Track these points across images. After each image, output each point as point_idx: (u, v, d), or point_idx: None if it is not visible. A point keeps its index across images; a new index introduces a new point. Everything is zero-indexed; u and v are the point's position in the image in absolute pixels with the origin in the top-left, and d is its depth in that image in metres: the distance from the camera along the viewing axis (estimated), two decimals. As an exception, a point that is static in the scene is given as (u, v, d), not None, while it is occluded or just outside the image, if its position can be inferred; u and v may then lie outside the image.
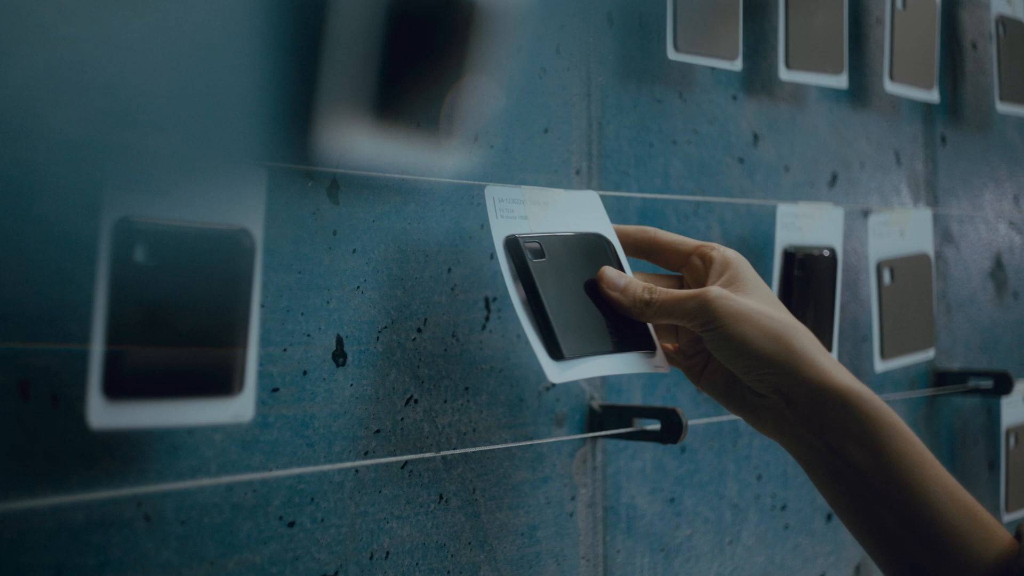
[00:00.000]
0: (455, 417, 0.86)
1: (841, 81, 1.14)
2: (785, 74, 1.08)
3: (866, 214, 1.23)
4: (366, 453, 0.81)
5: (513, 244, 0.80)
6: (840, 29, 1.14)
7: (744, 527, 1.09)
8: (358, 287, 0.80)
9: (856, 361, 1.20)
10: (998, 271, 1.43)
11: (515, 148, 0.90)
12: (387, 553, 0.82)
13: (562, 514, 0.94)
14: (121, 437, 0.69)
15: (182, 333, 0.65)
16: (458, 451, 0.86)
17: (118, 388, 0.63)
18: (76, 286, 0.66)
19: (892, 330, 1.17)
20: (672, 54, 0.97)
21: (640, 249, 0.87)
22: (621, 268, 0.84)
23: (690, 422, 1.03)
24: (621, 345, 0.82)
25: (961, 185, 1.37)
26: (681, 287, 0.86)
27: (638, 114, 1.00)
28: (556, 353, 0.78)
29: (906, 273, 1.19)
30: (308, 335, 0.78)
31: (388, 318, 0.82)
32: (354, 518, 0.80)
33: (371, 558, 0.81)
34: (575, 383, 0.94)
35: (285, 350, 0.76)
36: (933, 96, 1.25)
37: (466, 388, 0.87)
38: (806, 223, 1.07)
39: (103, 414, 0.63)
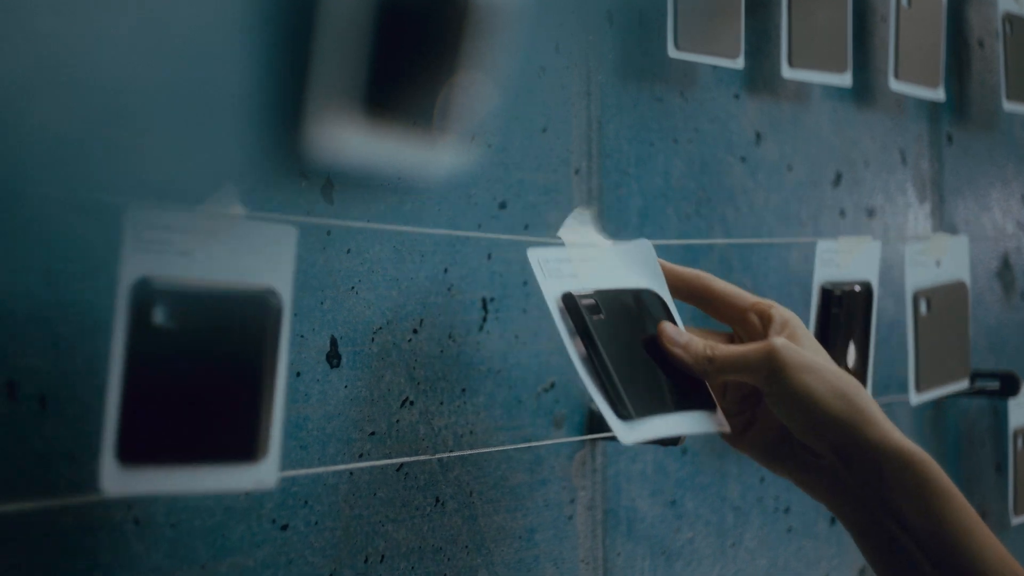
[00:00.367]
0: (452, 419, 0.85)
1: (845, 79, 1.13)
2: (788, 72, 1.07)
3: (871, 213, 1.22)
4: (361, 455, 0.80)
5: (570, 302, 0.78)
6: (843, 27, 1.13)
7: (746, 530, 1.08)
8: (352, 287, 0.80)
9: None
10: (1005, 271, 1.41)
11: (513, 147, 0.89)
12: (382, 557, 0.81)
13: (561, 517, 0.93)
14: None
15: (203, 397, 0.63)
16: (455, 453, 0.85)
17: (133, 453, 0.60)
18: (65, 286, 0.65)
19: (928, 362, 1.15)
20: (673, 52, 0.96)
21: (693, 295, 0.84)
22: (675, 324, 0.82)
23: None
24: (681, 403, 0.79)
25: (967, 184, 1.36)
26: (732, 343, 0.83)
27: (638, 113, 0.99)
28: (624, 412, 0.76)
29: (943, 303, 1.16)
30: (301, 336, 0.77)
31: (383, 319, 0.81)
32: (348, 521, 0.79)
33: (366, 562, 0.80)
34: (573, 384, 0.93)
35: (278, 351, 0.76)
36: (939, 95, 1.24)
37: (463, 390, 0.86)
38: (843, 258, 1.05)
39: (117, 480, 0.60)
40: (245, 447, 0.65)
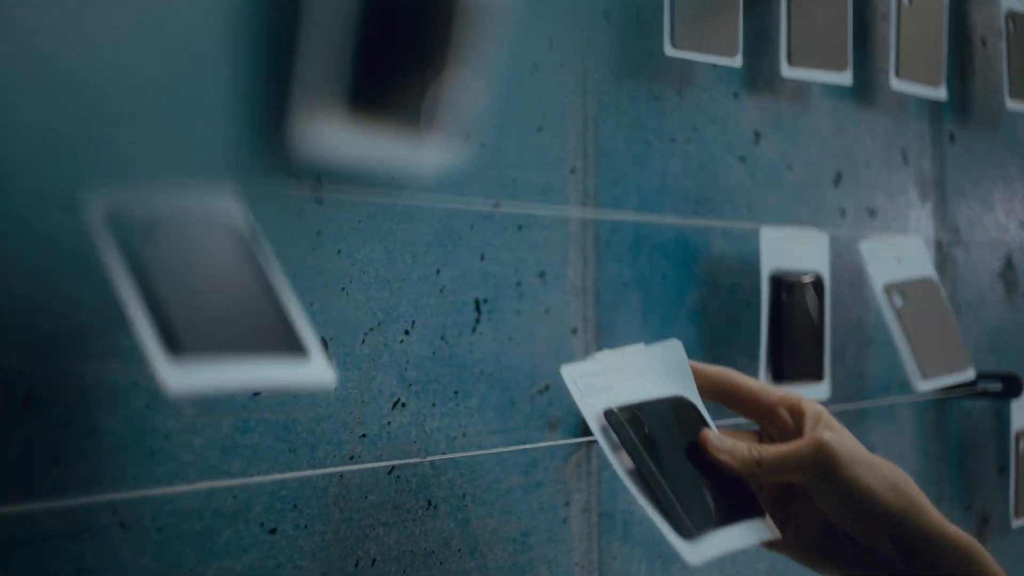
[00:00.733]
0: (444, 421, 0.84)
1: (845, 78, 1.12)
2: (787, 71, 1.06)
3: (872, 213, 1.21)
4: (351, 458, 0.79)
5: (613, 418, 0.76)
6: (844, 25, 1.12)
7: (745, 533, 1.07)
8: (343, 289, 0.79)
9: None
10: (1008, 272, 1.40)
11: (507, 146, 0.88)
12: (373, 560, 0.80)
13: (556, 520, 0.92)
14: (95, 441, 0.67)
15: (232, 296, 0.62)
16: (447, 456, 0.84)
17: (183, 345, 0.57)
18: (50, 286, 0.65)
19: (923, 349, 1.14)
20: (669, 50, 0.95)
21: (719, 393, 0.83)
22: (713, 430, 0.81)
23: (689, 426, 1.01)
24: (732, 513, 0.78)
25: (970, 184, 1.35)
26: (760, 442, 0.82)
27: (635, 111, 0.98)
28: (686, 531, 0.74)
29: (917, 297, 1.16)
30: (291, 337, 0.76)
31: (374, 320, 0.80)
32: (338, 524, 0.78)
33: (356, 566, 0.79)
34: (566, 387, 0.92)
35: (267, 353, 0.75)
36: (940, 93, 1.23)
37: (456, 392, 0.85)
38: (791, 247, 1.05)
39: (178, 376, 0.57)
40: (293, 342, 0.63)
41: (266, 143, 0.73)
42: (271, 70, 0.72)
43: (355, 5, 0.73)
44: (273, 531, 0.75)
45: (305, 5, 0.71)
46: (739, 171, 1.07)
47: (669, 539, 0.74)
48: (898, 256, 1.15)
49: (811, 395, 1.07)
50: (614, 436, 0.76)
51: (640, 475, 0.75)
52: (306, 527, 0.76)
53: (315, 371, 0.64)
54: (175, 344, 0.58)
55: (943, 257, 1.30)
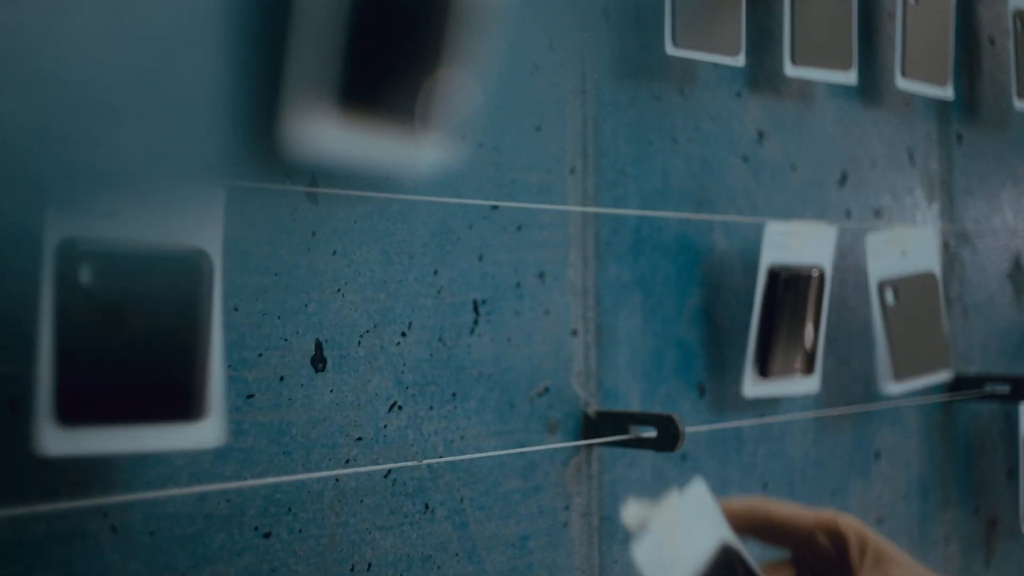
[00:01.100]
0: (442, 424, 0.83)
1: (850, 77, 1.10)
2: (791, 70, 1.05)
3: (877, 214, 1.20)
4: (347, 461, 0.78)
5: None
6: (849, 24, 1.11)
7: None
8: (338, 290, 0.78)
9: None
10: (1017, 273, 1.39)
11: (505, 146, 0.87)
12: (369, 565, 0.79)
13: (555, 524, 0.91)
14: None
15: (139, 358, 0.63)
16: (445, 459, 0.83)
17: (72, 414, 0.61)
18: (35, 288, 0.64)
19: (902, 351, 1.13)
20: (670, 49, 0.94)
21: (750, 528, 0.78)
22: None
23: (692, 429, 1.00)
24: None
25: (978, 184, 1.34)
26: (798, 573, 0.78)
27: (636, 111, 0.97)
28: None
29: (910, 293, 1.15)
30: (285, 339, 0.75)
31: (370, 322, 0.79)
32: (334, 528, 0.77)
33: (352, 570, 0.78)
34: (567, 389, 0.91)
35: (260, 355, 0.74)
36: (947, 93, 1.22)
37: (453, 394, 0.84)
38: (795, 241, 1.04)
39: (57, 441, 0.61)
40: (185, 406, 0.65)
41: (259, 142, 0.72)
42: (264, 67, 0.71)
43: (350, 1, 0.72)
44: (267, 535, 0.74)
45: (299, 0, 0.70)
46: (742, 171, 1.06)
47: None
48: (903, 249, 1.14)
49: (800, 389, 1.06)
50: None
51: None
52: (301, 531, 0.76)
53: (198, 436, 0.65)
54: (65, 411, 0.61)
55: (950, 258, 1.29)
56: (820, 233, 1.06)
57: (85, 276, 0.61)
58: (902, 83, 1.16)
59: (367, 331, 0.79)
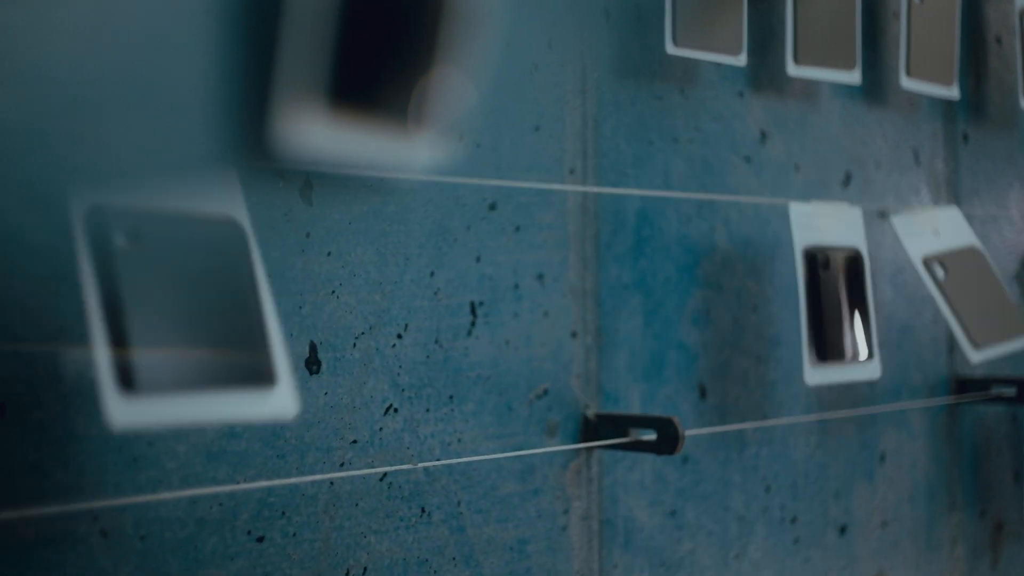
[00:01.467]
0: (438, 427, 0.83)
1: (854, 77, 1.09)
2: (793, 70, 1.04)
3: (882, 215, 1.19)
4: (342, 464, 0.77)
5: None
6: (852, 23, 1.09)
7: (751, 541, 1.05)
8: (333, 291, 0.77)
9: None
10: (1024, 274, 1.38)
11: (503, 146, 0.87)
12: (364, 569, 0.78)
13: (555, 528, 0.90)
14: (75, 448, 0.66)
15: (193, 323, 0.59)
16: (442, 462, 0.82)
17: (136, 382, 0.56)
18: (24, 290, 0.63)
19: (973, 319, 1.10)
20: (671, 49, 0.93)
21: None
22: None
23: (694, 431, 0.99)
24: None
25: (985, 185, 1.32)
26: None
27: (637, 111, 0.96)
28: None
29: (959, 267, 1.13)
30: (279, 341, 0.74)
31: (366, 324, 0.79)
32: (328, 532, 0.77)
33: (347, 574, 0.77)
34: (567, 391, 0.90)
35: (254, 357, 0.73)
36: (953, 93, 1.21)
37: (450, 396, 0.83)
38: (823, 223, 1.03)
39: (125, 412, 0.56)
40: (255, 373, 0.60)
41: (252, 142, 0.72)
42: (258, 66, 0.70)
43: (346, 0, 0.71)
44: (261, 539, 0.73)
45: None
46: (744, 171, 1.05)
47: None
48: (934, 229, 1.13)
49: (863, 375, 1.03)
50: None
51: None
52: (295, 535, 0.75)
53: (276, 404, 0.61)
54: (129, 379, 0.56)
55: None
56: (847, 214, 1.05)
57: (122, 240, 0.57)
58: (907, 83, 1.15)
59: (362, 333, 0.78)
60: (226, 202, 0.64)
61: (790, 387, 1.08)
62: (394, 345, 0.80)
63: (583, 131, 0.92)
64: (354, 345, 0.78)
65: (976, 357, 1.10)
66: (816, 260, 1.00)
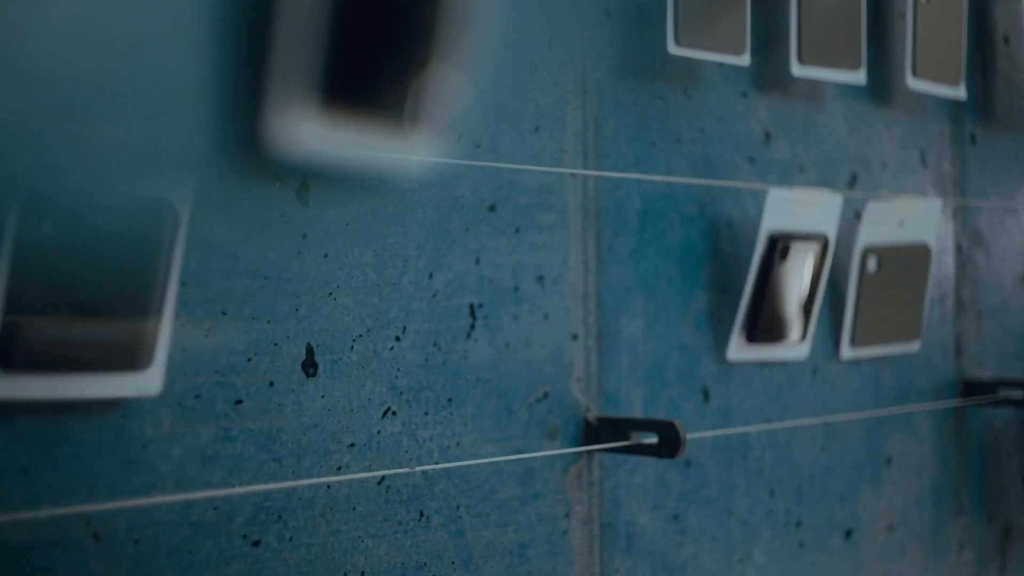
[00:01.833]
0: (437, 430, 0.82)
1: (858, 77, 1.09)
2: (797, 70, 1.03)
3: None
4: (339, 468, 0.77)
5: None
6: (857, 22, 1.09)
7: (755, 545, 1.04)
8: (330, 293, 0.76)
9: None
10: (1032, 276, 1.37)
11: (503, 147, 0.86)
12: (361, 573, 0.78)
13: (555, 532, 0.89)
14: (68, 450, 0.65)
15: (85, 304, 0.63)
16: (440, 466, 0.82)
17: (15, 360, 0.61)
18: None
19: (867, 318, 1.11)
20: (673, 48, 0.92)
21: None
22: None
23: (697, 434, 0.98)
24: None
25: (992, 186, 1.31)
26: None
27: (638, 112, 0.95)
28: None
29: (895, 263, 1.13)
30: (275, 344, 0.74)
31: (363, 326, 0.78)
32: (325, 536, 0.76)
33: (344, 579, 0.77)
34: (567, 394, 0.89)
35: (249, 360, 0.73)
36: (960, 93, 1.20)
37: (449, 399, 0.83)
38: (800, 209, 1.02)
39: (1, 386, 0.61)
40: (128, 355, 0.65)
41: (248, 143, 0.71)
42: (252, 66, 0.70)
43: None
44: (256, 543, 0.73)
45: None
46: (748, 172, 1.04)
47: None
48: (902, 219, 1.12)
49: (789, 355, 1.04)
50: None
51: None
52: (291, 539, 0.74)
53: (140, 383, 0.66)
54: (8, 358, 0.61)
55: (963, 261, 1.27)
56: (825, 201, 1.04)
57: (41, 224, 0.60)
58: (913, 83, 1.14)
59: (360, 335, 0.78)
60: (171, 186, 0.66)
61: (795, 390, 1.07)
62: (392, 347, 0.79)
63: (584, 132, 0.91)
64: (351, 347, 0.77)
65: (848, 354, 1.11)
66: (776, 246, 1.00)
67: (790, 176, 1.08)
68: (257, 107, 0.70)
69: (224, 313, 0.71)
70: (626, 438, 0.90)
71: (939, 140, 1.24)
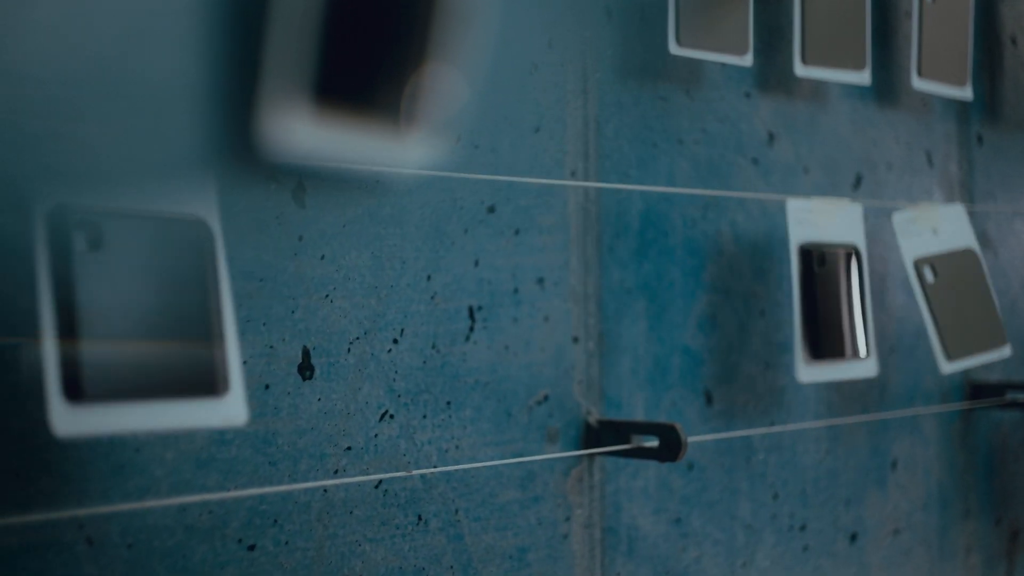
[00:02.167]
0: (435, 433, 0.81)
1: (863, 77, 1.08)
2: (801, 70, 1.02)
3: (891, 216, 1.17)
4: (336, 472, 0.76)
5: None
6: (862, 22, 1.08)
7: (759, 549, 1.03)
8: (327, 296, 0.76)
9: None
10: (1040, 278, 1.35)
11: (503, 148, 0.85)
12: (358, 578, 0.77)
13: (555, 536, 0.88)
14: (61, 455, 0.65)
15: (148, 328, 0.58)
16: (439, 469, 0.81)
17: (82, 390, 0.56)
18: (1, 292, 0.62)
19: (951, 329, 1.09)
20: (674, 48, 0.92)
21: None
22: None
23: (699, 438, 0.97)
24: None
25: (1000, 187, 1.30)
26: None
27: (640, 112, 0.94)
28: None
29: (950, 270, 1.11)
30: (271, 347, 0.73)
31: (361, 328, 0.77)
32: (322, 541, 0.75)
33: (341, 583, 0.76)
34: (567, 397, 0.89)
35: (245, 363, 0.72)
36: (966, 93, 1.19)
37: (448, 402, 0.82)
38: (822, 219, 1.01)
39: (68, 420, 0.55)
40: (205, 380, 0.60)
41: (243, 144, 0.71)
42: (247, 66, 0.69)
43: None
44: (252, 547, 0.72)
45: None
46: (752, 173, 1.03)
47: None
48: (934, 227, 1.11)
49: (858, 373, 1.02)
50: None
51: None
52: (287, 543, 0.74)
53: (225, 412, 0.61)
54: (75, 388, 0.56)
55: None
56: (846, 210, 1.03)
57: (81, 242, 0.57)
58: (919, 83, 1.13)
59: (357, 338, 0.77)
60: (197, 203, 0.63)
61: (799, 392, 1.06)
62: (390, 350, 0.79)
63: (584, 132, 0.91)
64: (348, 350, 0.77)
65: (947, 368, 1.08)
66: (812, 257, 0.99)
67: (794, 178, 1.07)
68: (252, 107, 0.69)
69: (219, 315, 0.71)
70: (627, 441, 0.89)
71: (945, 141, 1.23)
